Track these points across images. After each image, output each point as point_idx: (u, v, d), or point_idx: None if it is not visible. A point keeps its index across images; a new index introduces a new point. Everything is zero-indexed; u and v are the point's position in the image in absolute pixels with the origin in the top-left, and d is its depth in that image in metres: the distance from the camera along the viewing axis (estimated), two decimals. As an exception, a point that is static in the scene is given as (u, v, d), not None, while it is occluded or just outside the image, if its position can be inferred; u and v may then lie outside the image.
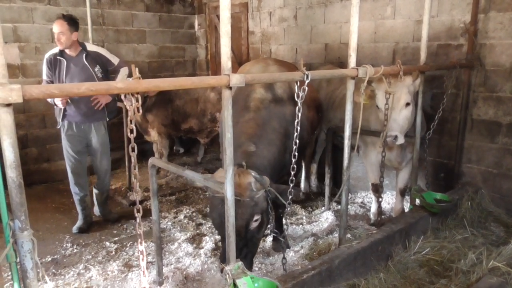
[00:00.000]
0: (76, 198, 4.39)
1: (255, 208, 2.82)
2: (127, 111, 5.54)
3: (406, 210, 4.31)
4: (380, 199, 3.98)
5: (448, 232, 3.74)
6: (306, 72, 2.56)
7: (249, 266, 2.91)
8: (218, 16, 7.34)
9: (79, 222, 4.43)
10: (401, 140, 3.61)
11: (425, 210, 3.76)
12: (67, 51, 4.08)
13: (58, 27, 3.92)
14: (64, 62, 4.06)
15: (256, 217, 2.84)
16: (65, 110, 4.13)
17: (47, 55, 4.09)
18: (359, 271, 3.11)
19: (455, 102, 4.47)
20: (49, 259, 3.88)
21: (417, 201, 3.87)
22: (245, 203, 2.77)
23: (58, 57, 4.05)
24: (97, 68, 4.18)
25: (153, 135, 5.93)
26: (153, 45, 7.23)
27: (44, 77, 4.11)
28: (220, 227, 2.85)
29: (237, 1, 6.80)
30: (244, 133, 3.22)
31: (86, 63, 4.11)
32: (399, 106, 3.62)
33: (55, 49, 4.11)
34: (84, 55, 4.12)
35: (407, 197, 4.54)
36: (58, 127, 4.28)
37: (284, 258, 3.20)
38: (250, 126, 3.26)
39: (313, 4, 5.75)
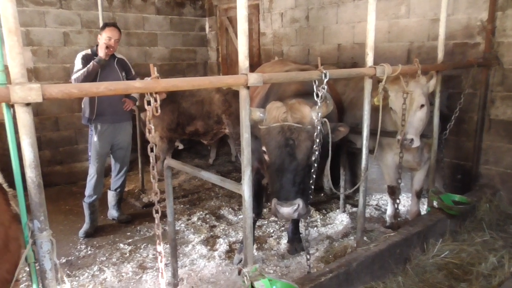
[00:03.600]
0: (88, 201, 4.40)
1: (315, 137, 2.73)
2: (139, 113, 5.61)
3: (423, 212, 4.23)
4: (398, 201, 3.92)
5: (467, 235, 3.67)
6: (324, 71, 2.53)
7: (306, 203, 2.79)
8: (229, 18, 7.32)
9: (85, 226, 4.44)
10: (417, 143, 3.55)
11: (443, 212, 3.69)
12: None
13: (116, 34, 4.21)
14: None
15: (315, 147, 2.76)
16: (98, 112, 4.28)
17: (82, 54, 4.26)
18: (377, 274, 3.06)
19: (472, 102, 4.39)
20: (64, 260, 3.87)
21: (435, 203, 3.80)
22: (308, 131, 2.71)
23: (94, 57, 4.22)
24: (123, 74, 4.44)
25: (153, 136, 5.89)
26: (164, 48, 7.24)
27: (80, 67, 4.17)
28: (279, 157, 2.75)
29: (248, 2, 6.77)
30: (288, 91, 3.17)
31: (116, 67, 4.37)
32: (413, 108, 3.55)
33: (87, 50, 4.34)
34: (115, 60, 4.40)
35: (423, 200, 4.47)
36: (85, 123, 4.39)
37: (308, 253, 3.09)
38: (295, 85, 3.21)
39: (325, 4, 5.70)
